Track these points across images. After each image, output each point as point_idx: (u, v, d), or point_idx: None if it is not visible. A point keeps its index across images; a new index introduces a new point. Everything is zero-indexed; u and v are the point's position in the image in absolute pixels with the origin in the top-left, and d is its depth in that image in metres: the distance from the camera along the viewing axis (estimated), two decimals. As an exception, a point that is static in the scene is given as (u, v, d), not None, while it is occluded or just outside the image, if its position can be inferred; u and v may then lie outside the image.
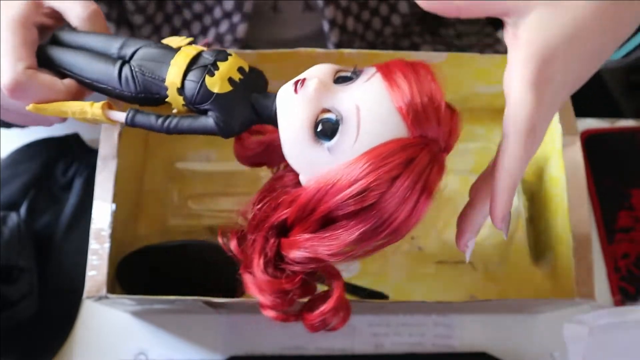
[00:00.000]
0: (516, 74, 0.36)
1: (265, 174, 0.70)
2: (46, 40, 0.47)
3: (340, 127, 0.37)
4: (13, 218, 0.66)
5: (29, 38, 0.44)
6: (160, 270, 0.64)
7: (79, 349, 0.67)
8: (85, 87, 0.45)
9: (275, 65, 0.54)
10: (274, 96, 0.40)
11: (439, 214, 0.65)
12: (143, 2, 0.72)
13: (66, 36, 0.46)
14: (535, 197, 0.67)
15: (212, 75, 0.40)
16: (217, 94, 0.40)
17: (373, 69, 0.39)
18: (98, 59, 0.44)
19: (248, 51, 0.60)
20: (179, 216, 0.70)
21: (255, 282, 0.44)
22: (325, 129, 0.37)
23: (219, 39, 0.73)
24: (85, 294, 0.55)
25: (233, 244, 0.46)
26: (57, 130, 0.73)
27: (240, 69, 0.42)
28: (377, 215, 0.37)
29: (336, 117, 0.37)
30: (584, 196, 0.59)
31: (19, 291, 0.64)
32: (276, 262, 0.43)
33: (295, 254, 0.41)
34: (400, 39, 0.81)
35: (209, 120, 0.41)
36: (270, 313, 0.45)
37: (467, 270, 0.69)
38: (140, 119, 0.42)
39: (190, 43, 0.44)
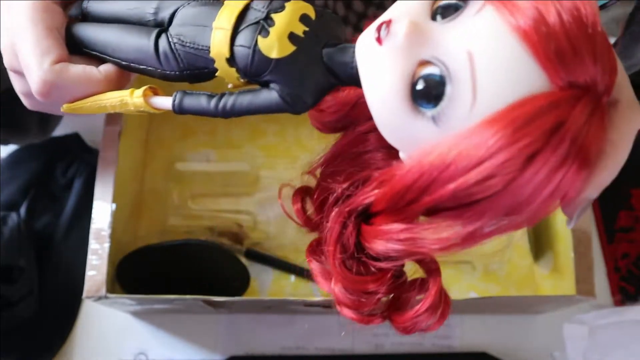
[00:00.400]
0: None
1: (265, 173, 0.71)
2: (75, 16, 0.39)
3: (447, 87, 0.27)
4: (13, 218, 0.66)
5: (52, 23, 0.36)
6: (161, 270, 0.64)
7: (79, 349, 0.67)
8: (127, 70, 0.37)
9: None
10: (353, 48, 0.30)
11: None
12: None
13: (95, 7, 0.38)
14: (535, 196, 0.67)
15: (267, 34, 0.31)
16: (277, 60, 0.31)
17: None
18: (132, 33, 0.35)
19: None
20: (179, 216, 0.70)
21: (331, 272, 0.35)
22: (427, 90, 0.27)
23: None
24: (84, 294, 0.55)
25: (297, 207, 0.38)
26: (57, 130, 0.73)
27: (304, 18, 0.32)
28: (505, 203, 0.26)
29: (440, 72, 0.27)
30: (583, 196, 0.59)
31: (19, 291, 0.64)
32: (357, 253, 0.34)
33: (383, 246, 0.31)
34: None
35: (272, 95, 0.32)
36: (349, 314, 0.35)
37: (467, 270, 0.69)
38: (189, 102, 0.34)
39: None
